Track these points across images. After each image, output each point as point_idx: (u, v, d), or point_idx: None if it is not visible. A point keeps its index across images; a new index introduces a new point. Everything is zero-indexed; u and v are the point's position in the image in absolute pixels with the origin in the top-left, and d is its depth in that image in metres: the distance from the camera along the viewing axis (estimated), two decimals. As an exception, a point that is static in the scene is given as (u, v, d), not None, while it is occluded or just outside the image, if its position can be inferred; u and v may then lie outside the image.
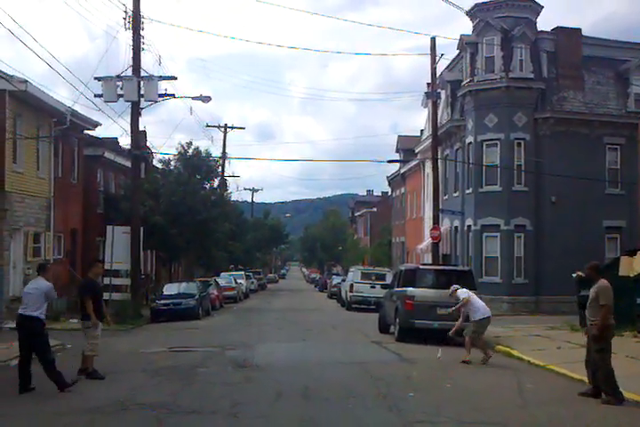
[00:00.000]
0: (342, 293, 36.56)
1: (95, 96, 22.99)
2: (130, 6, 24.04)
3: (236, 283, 40.69)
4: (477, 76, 29.51)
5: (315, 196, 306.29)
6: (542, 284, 28.12)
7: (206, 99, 27.01)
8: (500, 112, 28.82)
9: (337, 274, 60.15)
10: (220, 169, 40.38)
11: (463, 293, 14.42)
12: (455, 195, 32.34)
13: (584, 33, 30.70)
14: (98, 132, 29.61)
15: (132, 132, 24.72)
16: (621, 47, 31.16)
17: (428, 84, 31.46)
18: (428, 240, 31.99)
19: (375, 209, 74.21)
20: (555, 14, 67.82)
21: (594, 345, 9.74)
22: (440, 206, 28.95)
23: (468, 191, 30.42)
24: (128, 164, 27.70)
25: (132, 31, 24.13)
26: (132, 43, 24.19)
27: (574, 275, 19.91)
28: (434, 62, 27.54)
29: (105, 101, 23.42)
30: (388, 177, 53.70)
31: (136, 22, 24.09)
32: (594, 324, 9.75)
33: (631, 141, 27.11)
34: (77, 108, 24.88)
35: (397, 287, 19.03)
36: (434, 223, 28.31)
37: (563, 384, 11.26)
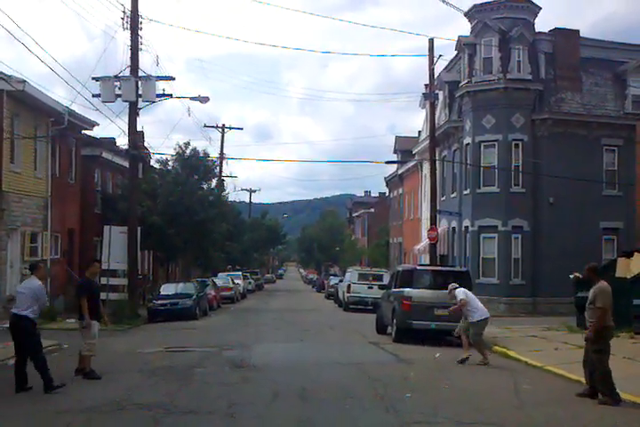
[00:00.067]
0: (340, 293, 36.57)
1: (93, 96, 22.94)
2: (128, 6, 24.04)
3: (234, 283, 40.66)
4: (475, 77, 29.54)
5: (312, 196, 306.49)
6: (539, 285, 28.16)
7: (204, 99, 27.02)
8: (498, 113, 28.85)
9: (334, 275, 60.13)
10: (217, 169, 40.33)
11: (461, 293, 14.41)
12: (453, 196, 32.37)
13: (584, 34, 30.95)
14: (95, 133, 29.64)
15: (129, 133, 24.68)
16: (619, 49, 31.22)
17: (425, 85, 31.50)
18: (425, 241, 32.02)
19: (373, 210, 74.24)
20: (554, 15, 68.15)
21: (592, 346, 9.76)
22: (437, 207, 28.93)
23: (465, 192, 30.45)
24: (126, 164, 27.70)
25: (130, 31, 24.09)
26: (130, 43, 24.17)
27: (571, 276, 19.92)
28: (432, 63, 27.54)
29: (103, 101, 23.37)
30: (385, 178, 53.71)
31: (134, 22, 24.06)
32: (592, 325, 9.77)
33: (629, 143, 27.17)
34: (75, 108, 24.95)
35: (395, 288, 19.04)
36: (431, 224, 28.31)
37: (560, 385, 11.27)
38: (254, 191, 72.57)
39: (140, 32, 24.21)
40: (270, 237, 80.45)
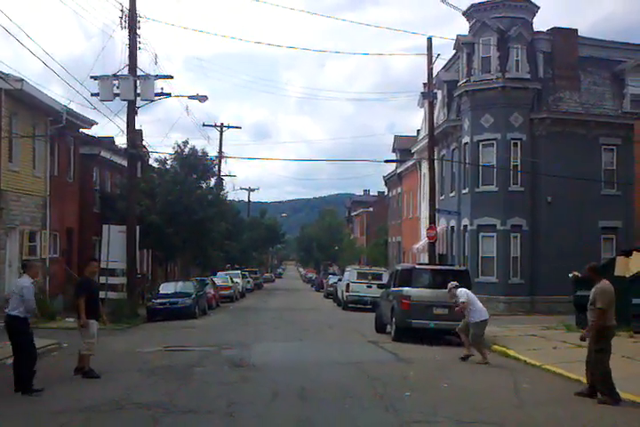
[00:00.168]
0: (339, 292, 36.57)
1: (91, 95, 22.89)
2: (126, 5, 23.99)
3: (233, 282, 40.67)
4: (474, 76, 29.54)
5: (311, 195, 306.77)
6: (538, 284, 28.18)
7: (203, 98, 26.97)
8: (497, 112, 28.86)
9: (333, 274, 60.14)
10: (216, 168, 40.28)
11: (463, 294, 14.39)
12: (451, 195, 32.37)
13: (584, 33, 31.00)
14: (94, 131, 29.67)
15: (128, 132, 24.65)
16: (617, 48, 31.25)
17: (424, 84, 31.45)
18: (424, 240, 32.03)
19: (371, 209, 74.27)
20: (554, 15, 68.20)
21: (594, 345, 9.75)
22: (436, 206, 28.94)
23: (464, 191, 30.46)
24: (124, 163, 27.67)
25: (128, 30, 24.05)
26: (128, 42, 24.13)
27: (570, 275, 19.95)
28: (430, 62, 27.54)
29: (101, 100, 23.33)
30: (384, 177, 53.72)
31: (132, 21, 24.01)
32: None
33: (627, 142, 27.19)
34: (73, 106, 24.93)
35: (394, 287, 19.05)
36: (430, 223, 28.32)
37: (559, 384, 11.28)
38: (253, 190, 72.61)
39: (138, 31, 24.16)
40: (269, 237, 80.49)
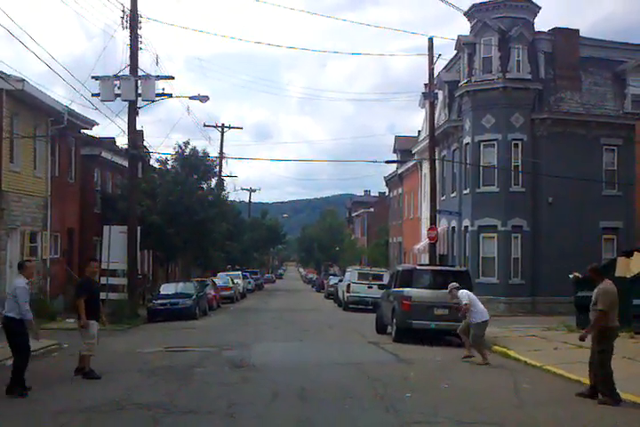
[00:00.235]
0: (339, 293, 36.56)
1: (92, 95, 22.92)
2: (127, 5, 24.03)
3: (233, 283, 40.65)
4: (475, 76, 29.53)
5: (312, 196, 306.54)
6: (539, 284, 28.16)
7: (204, 98, 26.97)
8: (498, 113, 28.84)
9: (334, 274, 60.12)
10: (217, 169, 40.31)
11: (465, 296, 14.38)
12: (452, 195, 32.36)
13: (584, 33, 30.93)
14: (95, 132, 29.59)
15: (129, 132, 24.67)
16: (618, 48, 31.22)
17: (425, 84, 31.46)
18: (425, 241, 32.01)
19: (372, 209, 74.24)
20: (554, 15, 68.26)
21: (596, 346, 9.73)
22: (437, 207, 28.91)
23: (465, 192, 30.44)
24: (125, 163, 27.69)
25: (129, 30, 24.08)
26: (129, 42, 24.15)
27: (571, 276, 19.94)
28: (431, 63, 27.52)
29: (102, 101, 23.36)
30: (385, 177, 53.72)
31: (133, 21, 24.04)
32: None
33: (628, 142, 27.16)
34: (74, 107, 24.90)
35: (394, 288, 19.03)
36: (431, 224, 28.30)
37: (559, 385, 11.27)
38: (254, 191, 72.62)
39: (139, 31, 24.21)
40: (270, 237, 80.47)
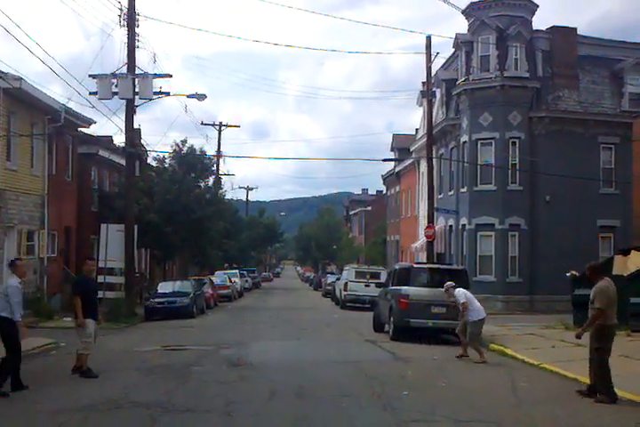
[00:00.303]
0: (337, 291, 36.56)
1: (90, 94, 22.88)
2: (125, 3, 23.99)
3: (231, 281, 40.65)
4: (472, 74, 29.53)
5: (309, 194, 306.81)
6: (536, 283, 28.20)
7: (201, 97, 26.93)
8: (495, 111, 28.86)
9: (331, 273, 60.12)
10: (214, 167, 40.26)
11: (461, 295, 14.40)
12: (450, 193, 32.37)
13: (582, 32, 30.87)
14: (92, 130, 29.60)
15: (126, 130, 24.64)
16: (616, 46, 31.24)
17: (423, 82, 31.46)
18: (422, 239, 32.02)
19: (370, 208, 74.22)
20: (552, 13, 68.27)
21: (594, 344, 9.74)
22: (435, 205, 28.97)
23: (462, 190, 30.45)
24: (122, 162, 27.65)
25: (126, 29, 24.04)
26: (126, 40, 24.10)
27: (568, 274, 19.96)
28: (429, 61, 27.54)
29: (99, 99, 23.30)
30: (382, 176, 53.71)
31: (131, 20, 23.99)
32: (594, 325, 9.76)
33: (625, 141, 27.18)
34: (72, 105, 24.85)
35: (392, 286, 19.05)
36: (428, 222, 28.33)
37: (557, 383, 11.28)
38: (251, 189, 72.63)
39: (136, 29, 24.14)
40: (267, 236, 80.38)
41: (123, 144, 26.72)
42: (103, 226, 24.84)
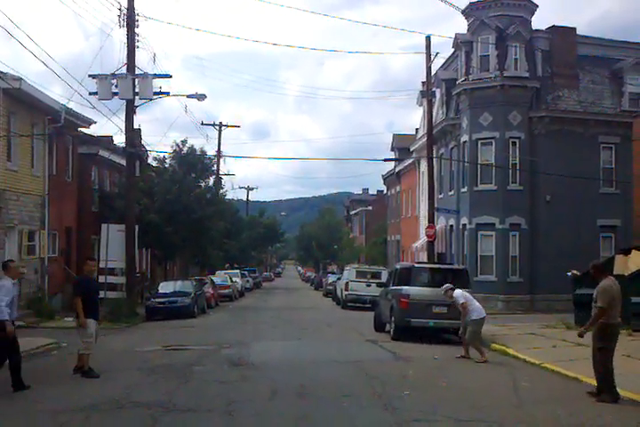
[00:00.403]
0: (337, 291, 36.56)
1: (90, 94, 22.89)
2: (124, 4, 24.00)
3: (232, 281, 40.68)
4: (472, 74, 29.53)
5: (310, 194, 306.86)
6: (537, 282, 28.20)
7: (201, 97, 26.95)
8: (495, 111, 28.85)
9: (332, 272, 60.12)
10: (215, 167, 40.28)
11: (460, 296, 14.41)
12: (450, 193, 32.37)
13: (581, 31, 30.87)
14: (92, 131, 29.64)
15: (126, 131, 24.64)
16: (616, 46, 31.23)
17: (423, 82, 31.47)
18: (423, 239, 32.03)
19: (370, 207, 74.22)
20: (551, 13, 68.19)
21: (597, 343, 9.73)
22: (435, 205, 28.97)
23: (463, 190, 30.45)
24: (123, 162, 27.66)
25: (126, 29, 24.04)
26: (126, 40, 24.11)
27: (569, 274, 19.96)
28: (429, 61, 27.56)
29: (99, 99, 23.32)
30: (383, 175, 53.72)
31: (130, 20, 24.00)
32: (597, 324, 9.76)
33: (626, 140, 27.18)
34: (72, 105, 24.84)
35: (393, 286, 19.05)
36: (429, 222, 28.34)
37: (558, 382, 11.28)
38: (252, 189, 72.63)
39: (136, 30, 24.15)
40: (268, 236, 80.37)
41: (123, 144, 26.73)
42: (104, 226, 24.86)
